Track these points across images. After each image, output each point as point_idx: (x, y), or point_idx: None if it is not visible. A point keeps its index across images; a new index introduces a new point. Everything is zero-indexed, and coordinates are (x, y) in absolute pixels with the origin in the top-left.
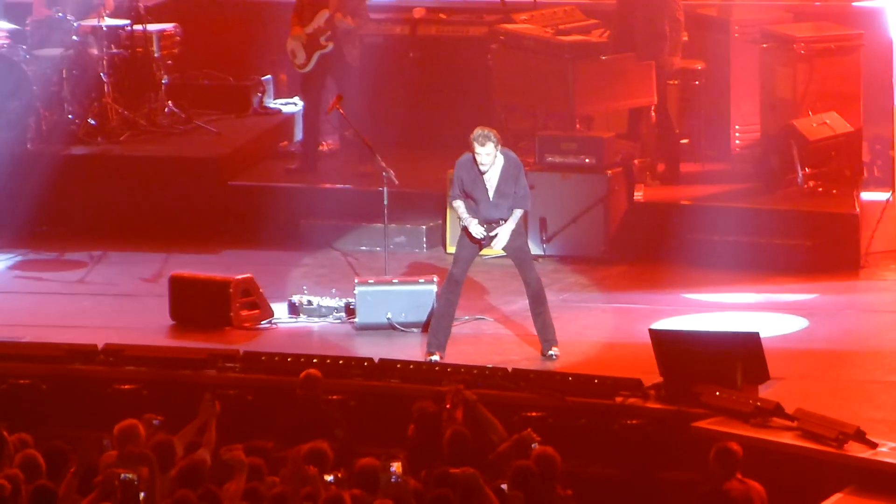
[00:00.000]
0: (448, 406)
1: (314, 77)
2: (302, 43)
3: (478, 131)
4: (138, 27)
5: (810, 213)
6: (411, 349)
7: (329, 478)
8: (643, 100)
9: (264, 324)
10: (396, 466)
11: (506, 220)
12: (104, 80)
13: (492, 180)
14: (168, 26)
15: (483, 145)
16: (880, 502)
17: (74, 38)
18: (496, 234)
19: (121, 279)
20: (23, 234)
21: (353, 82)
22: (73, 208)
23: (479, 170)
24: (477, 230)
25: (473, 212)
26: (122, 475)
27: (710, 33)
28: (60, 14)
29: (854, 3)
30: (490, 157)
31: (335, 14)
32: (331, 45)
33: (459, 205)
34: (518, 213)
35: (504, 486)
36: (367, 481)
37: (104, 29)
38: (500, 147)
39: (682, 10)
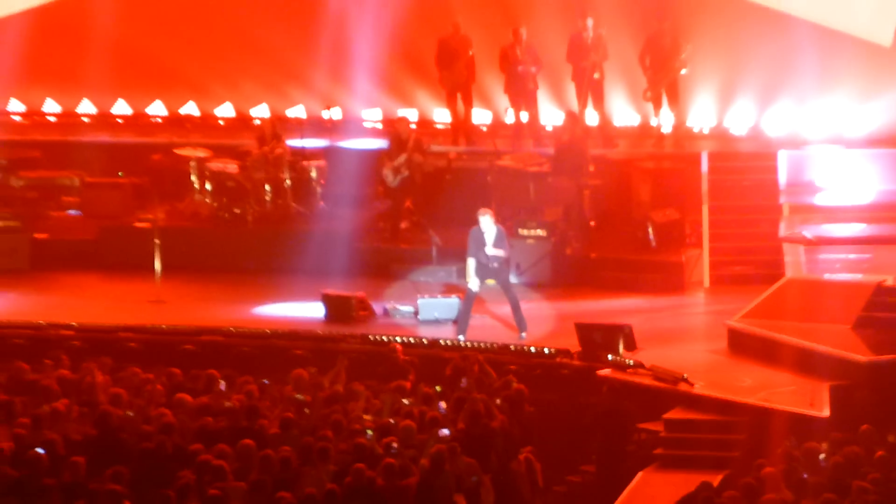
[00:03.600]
0: (468, 362)
1: (397, 190)
2: (390, 170)
3: (481, 210)
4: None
5: (658, 261)
6: (448, 333)
7: (406, 401)
8: (570, 201)
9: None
10: (444, 404)
11: (498, 263)
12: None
13: (489, 240)
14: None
15: (483, 216)
16: (679, 471)
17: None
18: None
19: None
20: None
21: (420, 193)
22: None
23: (483, 232)
24: (473, 284)
25: (478, 262)
26: (296, 396)
27: (607, 165)
28: None
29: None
30: (488, 224)
31: (412, 154)
32: (406, 172)
33: (471, 263)
34: (503, 252)
35: (498, 401)
36: (428, 402)
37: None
38: (493, 220)
39: (590, 153)
